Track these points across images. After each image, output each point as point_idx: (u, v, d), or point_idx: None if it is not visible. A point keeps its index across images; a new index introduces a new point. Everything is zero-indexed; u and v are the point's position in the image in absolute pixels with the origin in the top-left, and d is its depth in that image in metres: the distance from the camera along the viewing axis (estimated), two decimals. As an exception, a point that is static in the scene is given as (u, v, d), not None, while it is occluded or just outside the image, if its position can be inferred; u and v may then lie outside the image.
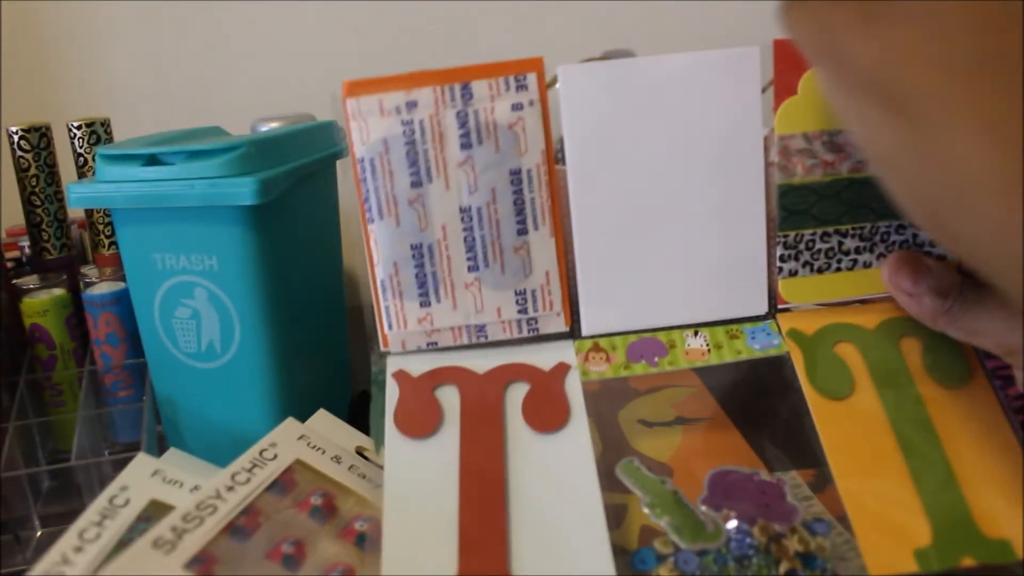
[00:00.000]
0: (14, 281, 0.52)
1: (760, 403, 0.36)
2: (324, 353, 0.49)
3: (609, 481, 0.33)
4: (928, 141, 0.25)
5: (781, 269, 0.37)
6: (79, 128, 0.53)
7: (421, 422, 0.34)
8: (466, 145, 0.35)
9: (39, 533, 0.42)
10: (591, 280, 0.37)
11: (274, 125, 0.58)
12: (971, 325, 0.32)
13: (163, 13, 0.74)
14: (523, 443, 0.34)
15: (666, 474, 0.34)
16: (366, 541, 0.32)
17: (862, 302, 0.38)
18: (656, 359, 0.36)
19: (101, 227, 0.54)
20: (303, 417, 0.38)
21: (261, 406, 0.42)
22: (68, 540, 0.32)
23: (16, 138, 0.52)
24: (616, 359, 0.36)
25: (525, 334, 0.37)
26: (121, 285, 0.49)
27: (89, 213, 0.54)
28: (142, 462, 0.36)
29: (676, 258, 0.37)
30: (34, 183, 0.53)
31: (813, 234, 0.37)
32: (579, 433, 0.34)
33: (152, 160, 0.40)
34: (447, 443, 0.34)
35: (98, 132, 0.53)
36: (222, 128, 0.53)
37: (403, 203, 0.36)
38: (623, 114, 0.36)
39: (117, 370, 0.49)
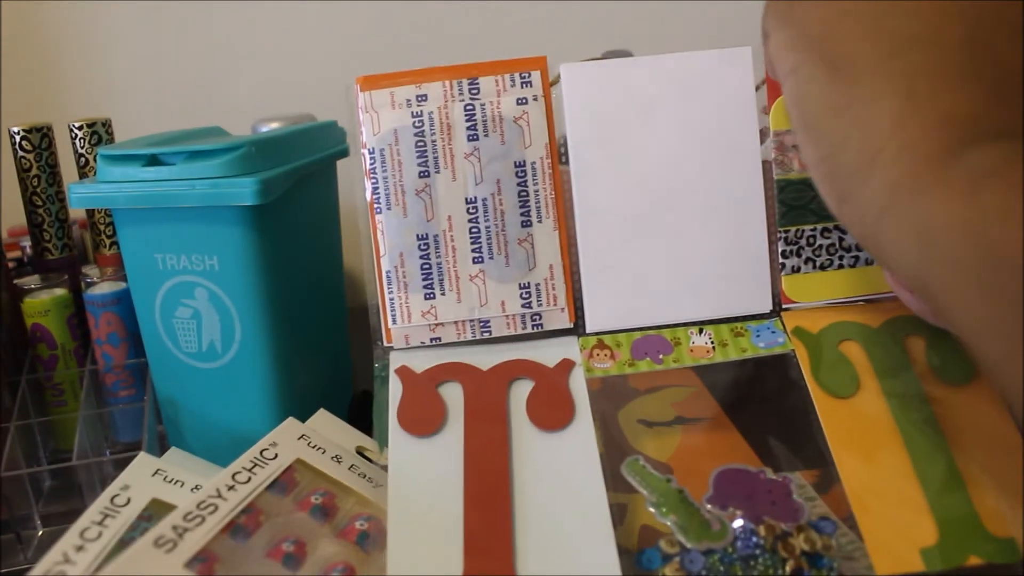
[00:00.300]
0: (15, 281, 0.52)
1: (762, 403, 0.36)
2: (325, 353, 0.49)
3: (610, 480, 0.32)
4: (853, 100, 0.26)
5: (784, 265, 0.37)
6: (80, 128, 0.53)
7: (425, 420, 0.34)
8: (473, 137, 0.36)
9: (40, 532, 0.42)
10: (595, 276, 0.37)
11: (274, 125, 0.58)
12: None
13: (164, 13, 0.74)
14: (527, 441, 0.33)
15: (668, 474, 0.34)
16: (367, 540, 0.32)
17: (867, 300, 0.38)
18: (661, 356, 0.36)
19: (102, 227, 0.54)
20: (304, 417, 0.38)
21: (262, 406, 0.42)
22: (69, 539, 0.32)
23: (18, 138, 0.52)
24: (621, 356, 0.36)
25: (529, 330, 0.37)
26: (122, 285, 0.49)
27: (90, 213, 0.54)
28: (143, 461, 0.36)
29: (678, 255, 0.37)
30: (35, 183, 0.53)
31: (813, 229, 0.37)
32: (584, 431, 0.34)
33: (153, 160, 0.40)
34: (451, 442, 0.34)
35: (99, 132, 0.53)
36: (222, 128, 0.53)
37: (411, 193, 0.36)
38: (625, 112, 0.36)
39: (118, 370, 0.49)
